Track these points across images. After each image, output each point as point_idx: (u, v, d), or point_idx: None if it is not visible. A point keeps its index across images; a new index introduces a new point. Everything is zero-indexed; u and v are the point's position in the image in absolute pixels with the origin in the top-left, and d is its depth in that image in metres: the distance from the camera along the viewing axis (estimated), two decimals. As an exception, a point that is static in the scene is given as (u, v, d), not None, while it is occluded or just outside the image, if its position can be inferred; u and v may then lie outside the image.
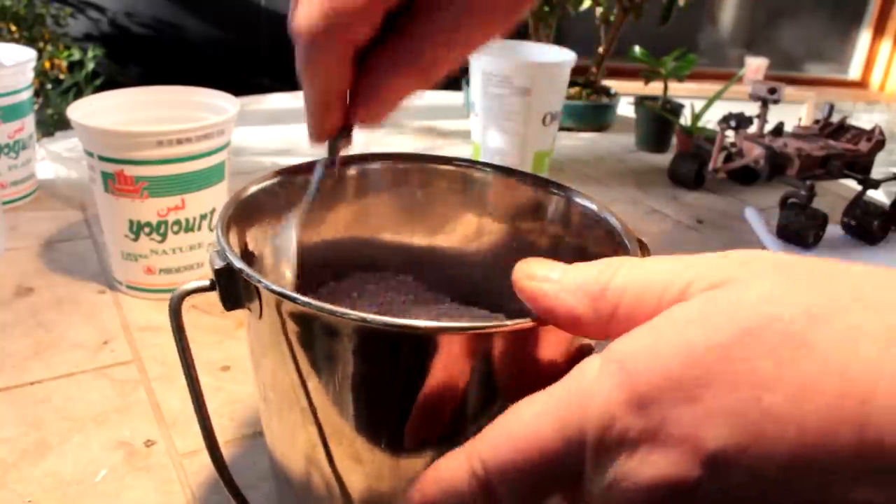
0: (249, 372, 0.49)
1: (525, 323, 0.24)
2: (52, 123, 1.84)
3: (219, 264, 0.28)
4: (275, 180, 0.35)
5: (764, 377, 0.17)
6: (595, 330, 0.22)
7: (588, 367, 0.20)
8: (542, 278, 0.23)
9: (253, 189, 0.34)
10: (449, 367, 0.25)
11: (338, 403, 0.27)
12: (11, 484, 0.39)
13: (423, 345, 0.24)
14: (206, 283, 0.28)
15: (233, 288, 0.28)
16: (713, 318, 0.18)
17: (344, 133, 0.29)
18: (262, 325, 0.28)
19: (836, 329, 0.17)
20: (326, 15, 0.24)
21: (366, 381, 0.26)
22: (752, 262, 0.20)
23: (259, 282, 0.26)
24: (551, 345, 0.25)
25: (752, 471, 0.17)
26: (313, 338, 0.26)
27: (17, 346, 0.51)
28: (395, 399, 0.26)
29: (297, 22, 0.25)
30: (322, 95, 0.27)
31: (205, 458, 0.42)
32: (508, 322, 0.24)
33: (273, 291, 0.25)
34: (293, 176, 0.36)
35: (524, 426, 0.21)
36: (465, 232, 0.39)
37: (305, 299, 0.25)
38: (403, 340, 0.25)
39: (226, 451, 0.42)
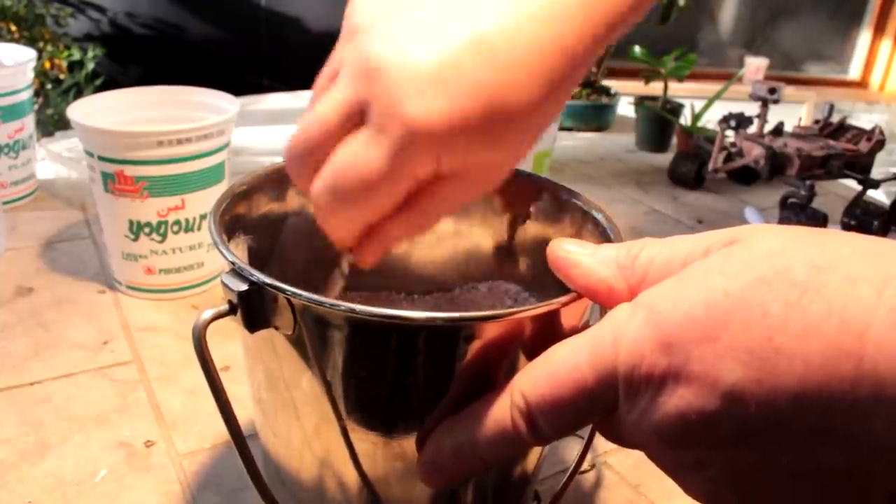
0: (249, 372, 0.50)
1: (565, 299, 0.26)
2: (52, 123, 1.84)
3: (241, 286, 0.26)
4: (265, 177, 0.35)
5: (775, 320, 0.19)
6: (626, 298, 0.24)
7: (619, 311, 0.23)
8: (577, 252, 0.25)
9: (244, 187, 0.34)
10: (481, 355, 0.26)
11: (337, 399, 0.27)
12: (11, 484, 0.39)
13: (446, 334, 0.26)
14: (226, 307, 0.27)
15: (259, 308, 0.26)
16: (730, 269, 0.21)
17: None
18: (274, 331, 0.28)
19: (838, 277, 0.19)
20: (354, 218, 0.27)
21: (386, 375, 0.27)
22: (760, 227, 0.22)
23: (296, 295, 0.25)
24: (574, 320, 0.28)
25: (764, 402, 0.19)
26: (317, 335, 0.26)
27: (17, 346, 0.51)
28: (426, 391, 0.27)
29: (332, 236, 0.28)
30: (336, 239, 0.29)
31: (205, 458, 0.42)
32: (561, 299, 0.26)
33: (311, 301, 0.25)
34: (283, 174, 0.36)
35: (561, 363, 0.23)
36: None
37: (352, 306, 0.25)
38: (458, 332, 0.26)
39: (226, 452, 0.42)
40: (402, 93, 0.24)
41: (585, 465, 0.43)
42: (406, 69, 0.24)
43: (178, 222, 0.56)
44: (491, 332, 0.25)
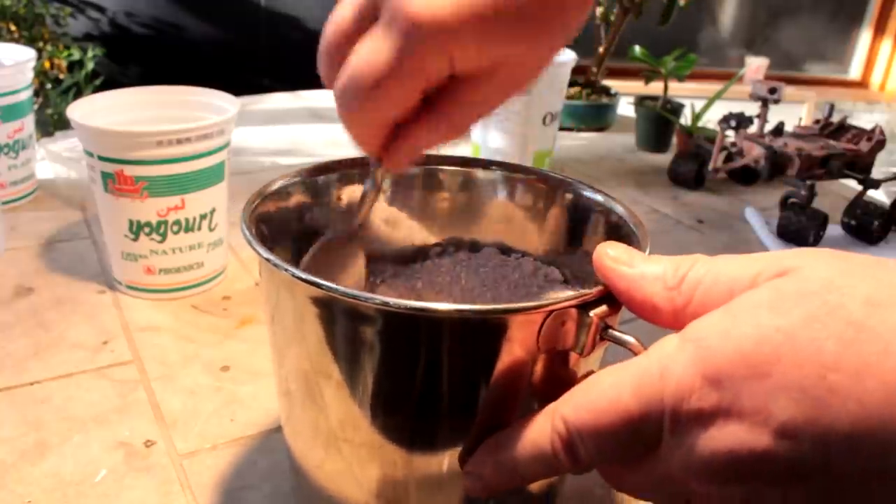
0: (250, 372, 0.49)
1: (597, 291, 0.25)
2: (52, 123, 1.84)
3: None
4: (297, 179, 0.36)
5: (828, 357, 0.19)
6: (668, 319, 0.24)
7: (666, 344, 0.22)
8: (626, 263, 0.25)
9: (278, 185, 0.35)
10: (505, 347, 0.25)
11: (365, 392, 0.28)
12: (11, 484, 0.39)
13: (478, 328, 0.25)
14: None
15: None
16: (781, 304, 0.20)
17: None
18: (288, 316, 0.28)
19: (895, 315, 0.19)
20: (370, 103, 0.26)
21: (402, 368, 0.27)
22: (810, 256, 0.22)
23: (330, 289, 0.25)
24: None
25: (818, 440, 0.19)
26: (348, 328, 0.27)
27: (17, 346, 0.51)
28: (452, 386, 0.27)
29: (342, 108, 0.27)
30: (360, 142, 0.29)
31: (205, 458, 0.42)
32: (589, 290, 0.25)
33: (307, 281, 0.25)
34: (316, 175, 0.37)
35: (603, 392, 0.22)
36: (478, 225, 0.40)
37: (356, 292, 0.25)
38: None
39: (227, 451, 0.42)
40: None
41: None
42: None
43: (177, 222, 0.56)
44: (523, 322, 0.25)
